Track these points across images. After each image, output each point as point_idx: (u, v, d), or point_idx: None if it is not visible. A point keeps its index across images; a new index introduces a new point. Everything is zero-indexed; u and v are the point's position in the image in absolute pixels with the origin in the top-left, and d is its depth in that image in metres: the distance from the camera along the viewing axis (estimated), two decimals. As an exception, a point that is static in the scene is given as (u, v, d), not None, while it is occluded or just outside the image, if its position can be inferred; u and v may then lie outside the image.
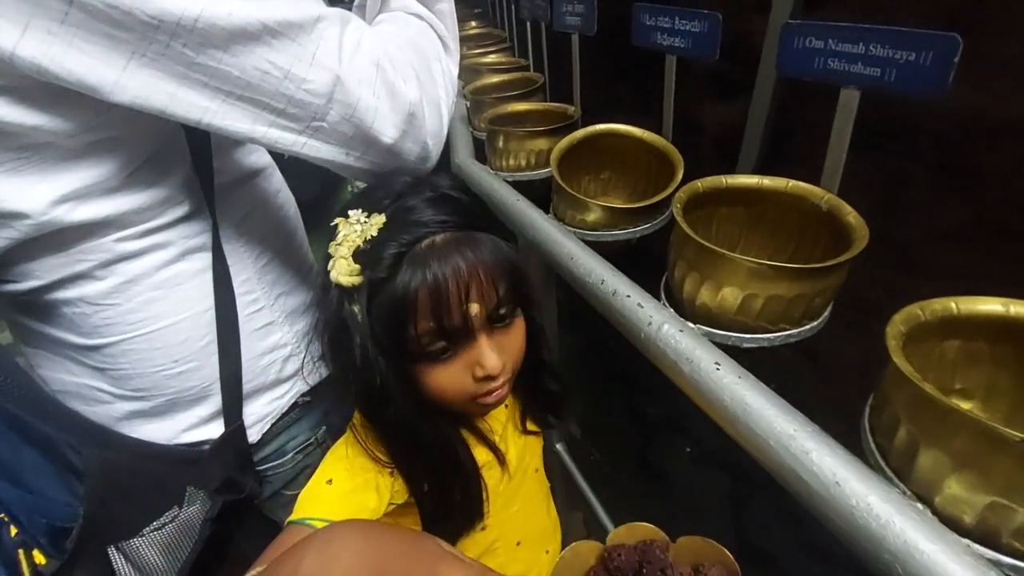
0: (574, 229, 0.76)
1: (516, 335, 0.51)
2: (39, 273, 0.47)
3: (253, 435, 0.59)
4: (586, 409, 1.79)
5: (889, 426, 0.40)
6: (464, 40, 1.79)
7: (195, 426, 0.56)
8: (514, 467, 0.57)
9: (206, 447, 0.57)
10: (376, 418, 0.48)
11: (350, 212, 0.45)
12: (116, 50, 0.37)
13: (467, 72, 1.40)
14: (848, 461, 0.39)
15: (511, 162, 0.95)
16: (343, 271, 0.43)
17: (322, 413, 0.66)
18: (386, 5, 0.57)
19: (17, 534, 0.40)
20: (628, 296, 0.58)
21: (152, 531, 0.50)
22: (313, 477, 0.49)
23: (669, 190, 0.72)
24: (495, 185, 0.87)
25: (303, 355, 0.62)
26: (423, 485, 0.49)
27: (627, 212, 0.74)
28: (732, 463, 1.59)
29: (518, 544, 0.61)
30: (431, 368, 0.47)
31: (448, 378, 0.47)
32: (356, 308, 0.43)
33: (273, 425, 0.60)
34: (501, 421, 0.58)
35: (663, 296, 0.62)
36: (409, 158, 0.50)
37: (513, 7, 1.55)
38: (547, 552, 0.66)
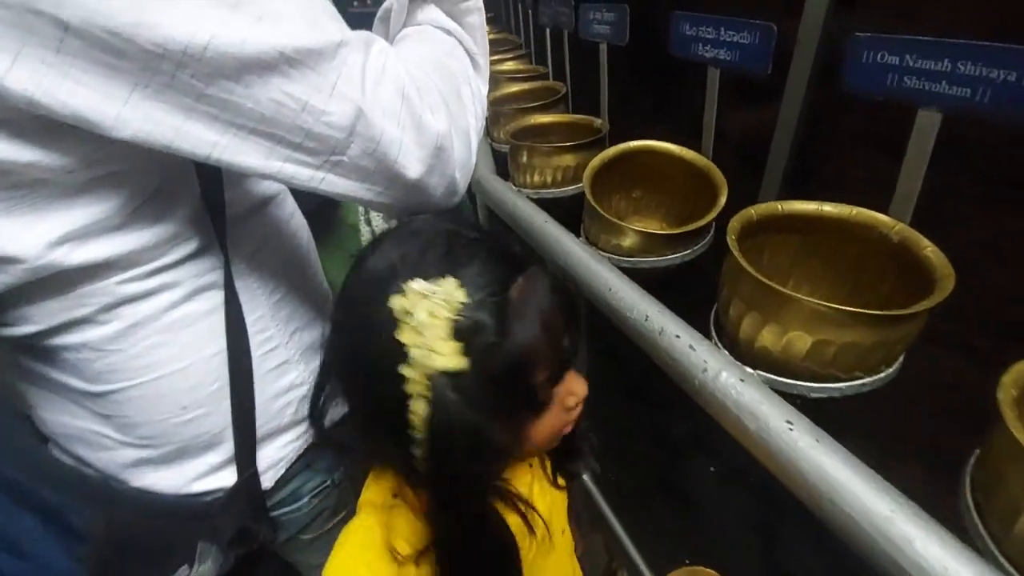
0: (608, 254, 0.71)
1: None
2: (37, 318, 0.43)
3: (267, 481, 0.55)
4: (604, 428, 1.74)
5: (1007, 511, 0.34)
6: (478, 46, 1.74)
7: (206, 474, 0.52)
8: (542, 530, 0.51)
9: (218, 496, 0.53)
10: (447, 505, 0.41)
11: (412, 285, 0.36)
12: (117, 81, 0.33)
13: (484, 80, 1.35)
14: (959, 551, 0.33)
15: (536, 179, 0.90)
16: (452, 356, 0.36)
17: (338, 455, 0.61)
18: (412, 17, 0.51)
19: None
20: (678, 336, 0.53)
21: None
22: (342, 556, 0.42)
23: (712, 214, 0.67)
24: (520, 204, 0.82)
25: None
26: (458, 566, 0.43)
27: (667, 237, 0.68)
28: (759, 484, 1.53)
29: None
30: (540, 417, 0.43)
31: (552, 419, 0.44)
32: (456, 395, 0.36)
33: (288, 469, 0.56)
34: (527, 482, 0.52)
35: (713, 333, 0.57)
36: (435, 193, 0.46)
37: (530, 12, 1.50)
38: None
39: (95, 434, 0.49)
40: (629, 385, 1.85)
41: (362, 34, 0.40)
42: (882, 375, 0.49)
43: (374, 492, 0.46)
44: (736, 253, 0.51)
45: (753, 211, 0.57)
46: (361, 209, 0.91)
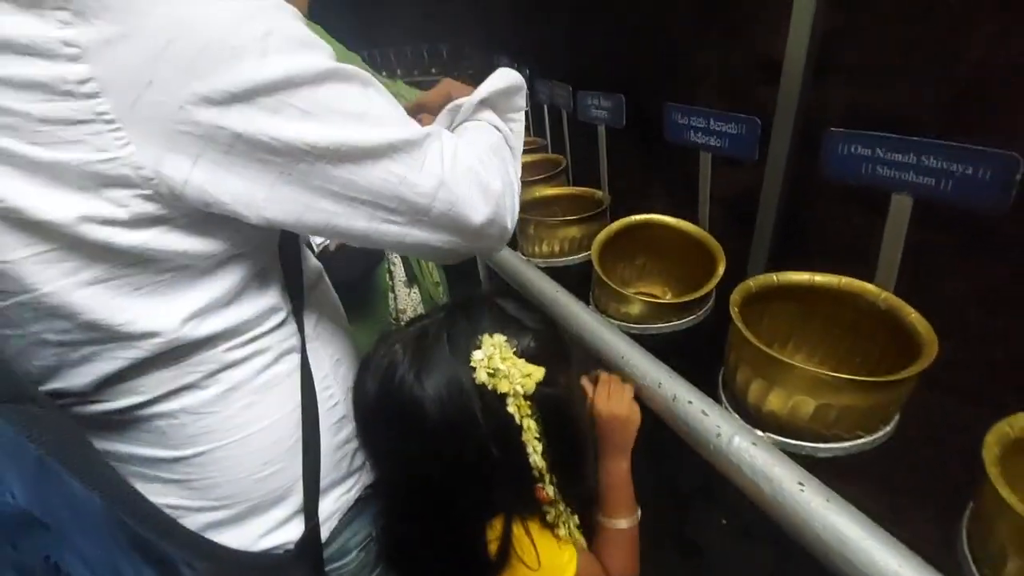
0: (616, 322, 0.76)
1: None
2: (145, 389, 0.46)
3: (324, 533, 0.57)
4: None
5: (998, 560, 0.38)
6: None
7: (272, 530, 0.54)
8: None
9: (287, 549, 0.55)
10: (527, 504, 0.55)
11: (478, 353, 0.53)
12: (266, 171, 0.41)
13: (487, 153, 1.44)
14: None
15: (544, 248, 0.96)
16: (532, 371, 0.52)
17: (381, 506, 0.63)
18: (475, 114, 0.63)
19: None
20: (690, 402, 0.57)
21: None
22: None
23: (712, 283, 0.72)
24: (531, 275, 0.87)
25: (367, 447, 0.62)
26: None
27: (671, 306, 0.74)
28: (771, 536, 1.52)
29: None
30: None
31: None
32: (548, 388, 0.53)
33: (340, 521, 0.59)
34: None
35: (722, 397, 0.61)
36: (493, 235, 0.56)
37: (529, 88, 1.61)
38: None
39: (171, 506, 0.51)
40: (638, 443, 1.87)
41: (435, 127, 0.52)
42: (881, 433, 0.53)
43: None
44: (740, 325, 0.56)
45: (752, 283, 0.62)
46: (386, 273, 0.97)
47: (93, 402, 0.46)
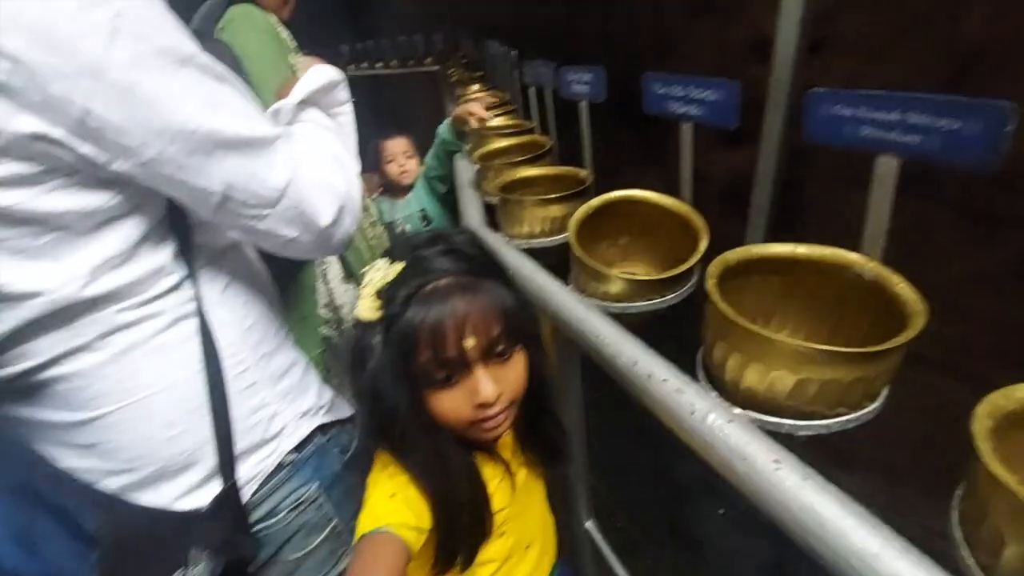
0: (597, 301, 0.73)
1: (514, 368, 0.55)
2: (38, 351, 0.48)
3: (245, 495, 0.59)
4: (609, 473, 1.71)
5: (993, 542, 0.35)
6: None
7: (186, 493, 0.56)
8: (522, 483, 0.63)
9: (201, 511, 0.56)
10: (384, 437, 0.54)
11: (377, 262, 0.53)
12: (119, 149, 0.44)
13: (474, 137, 1.41)
14: (948, 585, 0.34)
15: (525, 229, 0.93)
16: (366, 307, 0.51)
17: (312, 469, 0.64)
18: (297, 117, 0.65)
19: None
20: (665, 380, 0.54)
21: None
22: (370, 496, 0.53)
23: (694, 259, 0.69)
24: (510, 255, 0.84)
25: (287, 413, 0.62)
26: (435, 505, 0.53)
27: (651, 283, 0.70)
28: (770, 526, 1.49)
29: (527, 547, 0.66)
30: (435, 394, 0.52)
31: (449, 404, 0.52)
32: (375, 340, 0.51)
33: (262, 485, 0.60)
34: (508, 447, 0.63)
35: (701, 376, 0.58)
36: (335, 239, 0.60)
37: (518, 71, 1.58)
38: (546, 555, 0.70)
39: (83, 470, 0.53)
40: (632, 429, 1.84)
41: (285, 128, 0.57)
42: (866, 410, 0.50)
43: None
44: (715, 296, 0.53)
45: (730, 255, 0.59)
46: (318, 271, 0.96)
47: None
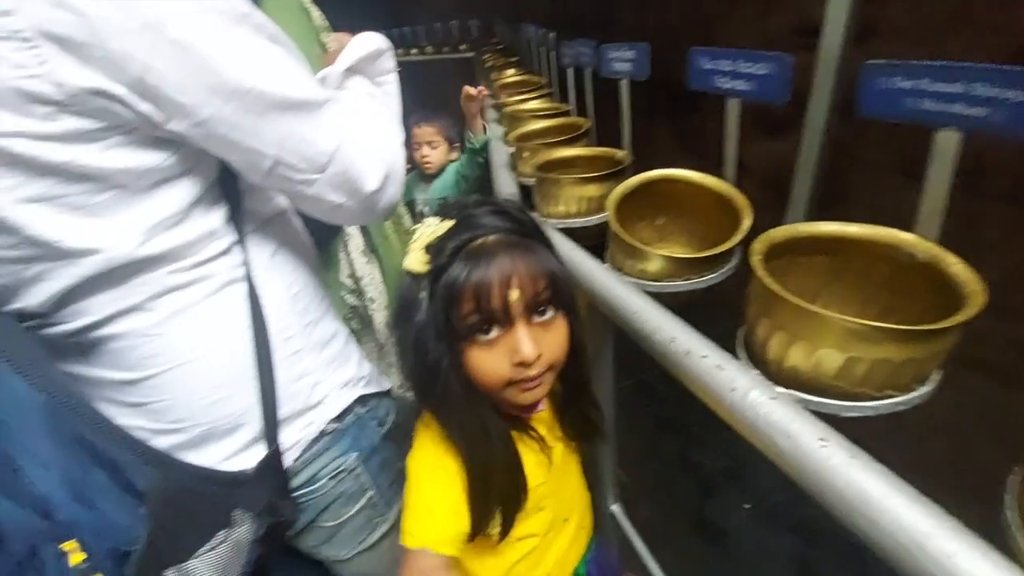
0: (634, 279, 0.72)
1: (555, 333, 0.54)
2: (94, 309, 0.49)
3: (287, 461, 0.60)
4: (635, 462, 1.71)
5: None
6: (504, 88, 1.82)
7: (232, 455, 0.57)
8: (559, 458, 0.64)
9: (246, 473, 0.57)
10: (426, 393, 0.55)
11: (428, 219, 0.54)
12: (176, 107, 0.45)
13: (509, 119, 1.40)
14: (1002, 566, 0.33)
15: (561, 209, 0.92)
16: (415, 260, 0.52)
17: (351, 439, 0.65)
18: (343, 84, 0.64)
19: (85, 560, 0.40)
20: (704, 357, 0.53)
21: (206, 552, 0.51)
22: (411, 493, 0.56)
23: (736, 238, 0.68)
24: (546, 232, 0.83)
25: (329, 382, 0.63)
26: (469, 467, 0.55)
27: (691, 261, 0.69)
28: (795, 522, 1.47)
29: (565, 520, 0.67)
30: (476, 349, 0.52)
31: (489, 361, 0.52)
32: (422, 294, 0.52)
33: (303, 452, 0.61)
34: (546, 421, 0.63)
35: (743, 355, 0.57)
36: (381, 204, 0.61)
37: (554, 53, 1.56)
38: (583, 528, 0.71)
39: (131, 428, 0.54)
40: (659, 420, 1.82)
41: (332, 92, 0.56)
42: (915, 394, 0.48)
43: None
44: (760, 271, 0.52)
45: (776, 233, 0.58)
46: (340, 242, 0.97)
47: (53, 324, 0.49)
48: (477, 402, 0.55)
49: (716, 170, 0.78)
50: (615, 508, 1.02)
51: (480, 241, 0.51)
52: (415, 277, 0.52)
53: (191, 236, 0.51)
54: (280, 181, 0.53)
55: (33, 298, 0.47)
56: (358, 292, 0.99)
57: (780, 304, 0.50)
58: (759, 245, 0.55)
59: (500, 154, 1.31)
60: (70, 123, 0.42)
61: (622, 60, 0.89)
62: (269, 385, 0.56)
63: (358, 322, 0.98)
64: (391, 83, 0.70)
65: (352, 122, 0.56)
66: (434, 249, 0.51)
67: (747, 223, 0.68)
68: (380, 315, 0.97)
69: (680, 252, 0.82)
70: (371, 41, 0.67)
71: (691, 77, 0.74)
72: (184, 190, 0.50)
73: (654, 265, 0.70)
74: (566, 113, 1.33)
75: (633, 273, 0.72)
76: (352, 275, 0.96)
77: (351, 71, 0.65)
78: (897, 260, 0.55)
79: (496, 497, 0.57)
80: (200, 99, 0.44)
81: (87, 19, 0.39)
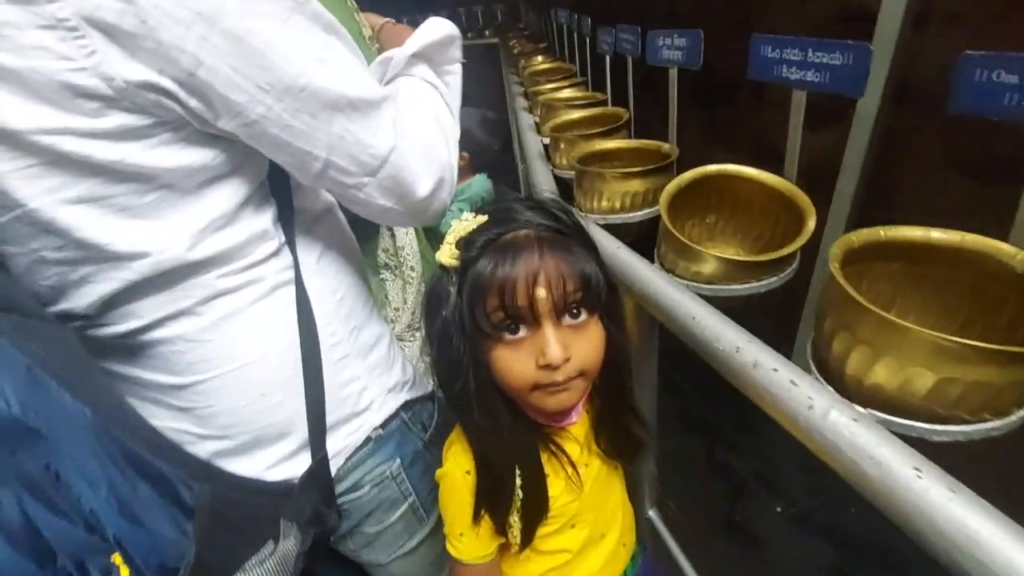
0: (687, 281, 0.68)
1: (588, 337, 0.51)
2: (143, 312, 0.47)
3: (332, 469, 0.58)
4: (660, 461, 1.67)
5: None
6: (534, 76, 1.77)
7: (278, 463, 0.55)
8: (595, 475, 0.61)
9: (292, 481, 0.56)
10: (449, 389, 0.54)
11: (465, 214, 0.52)
12: (226, 106, 0.42)
13: (544, 109, 1.36)
14: None
15: (604, 204, 0.88)
16: (446, 253, 0.51)
17: (395, 446, 0.63)
18: (406, 70, 0.60)
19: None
20: (775, 370, 0.50)
21: (254, 565, 0.49)
22: (447, 508, 0.58)
23: (801, 240, 0.64)
24: (591, 231, 0.80)
25: (375, 388, 0.61)
26: (478, 465, 0.55)
27: (751, 265, 0.65)
28: (827, 526, 1.43)
29: (602, 537, 0.65)
30: (501, 349, 0.50)
31: (515, 360, 0.50)
32: (451, 288, 0.50)
33: (348, 459, 0.59)
34: (580, 437, 0.60)
35: (813, 367, 0.53)
36: (431, 210, 0.58)
37: (588, 40, 1.51)
38: (624, 545, 0.68)
39: (174, 431, 0.53)
40: (686, 419, 1.78)
41: (391, 89, 0.53)
42: (1015, 418, 0.44)
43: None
44: (842, 280, 0.48)
45: (854, 237, 0.54)
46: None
47: (100, 325, 0.47)
48: (496, 403, 0.53)
49: (766, 163, 0.74)
50: (652, 513, 0.99)
51: (511, 236, 0.49)
52: (445, 271, 0.51)
53: (241, 238, 0.49)
54: (329, 183, 0.51)
55: (79, 300, 0.45)
56: (397, 265, 0.97)
57: (864, 316, 0.46)
58: (837, 250, 0.52)
59: (534, 145, 1.27)
60: (119, 119, 0.39)
61: (672, 48, 0.85)
62: (318, 391, 0.54)
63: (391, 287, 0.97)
64: (455, 74, 0.66)
65: (408, 123, 0.53)
66: (464, 243, 0.50)
67: (811, 224, 0.64)
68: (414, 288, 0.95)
69: (736, 253, 0.78)
70: (442, 26, 0.63)
71: (752, 66, 0.69)
72: (233, 189, 0.48)
73: (709, 267, 0.67)
74: (602, 103, 1.29)
75: (686, 275, 0.69)
76: (392, 245, 0.95)
77: (418, 57, 0.61)
78: (986, 269, 0.51)
79: (510, 505, 0.56)
80: (252, 96, 0.42)
81: (136, 7, 0.36)
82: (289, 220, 0.53)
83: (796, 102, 0.66)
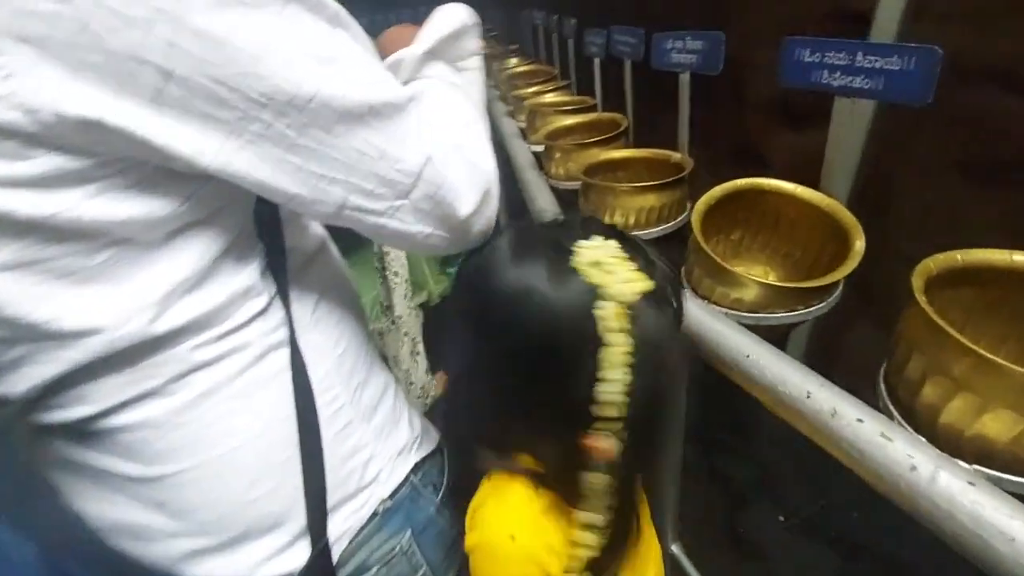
0: (724, 309, 0.62)
1: None
2: (97, 397, 0.38)
3: (335, 555, 0.50)
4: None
5: None
6: (511, 79, 1.69)
7: (271, 557, 0.46)
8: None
9: None
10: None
11: (584, 243, 0.41)
12: (209, 132, 0.33)
13: (529, 114, 1.28)
14: None
15: (615, 220, 0.81)
16: (638, 279, 0.41)
17: (404, 516, 0.55)
18: (421, 72, 0.52)
19: None
20: (860, 422, 0.44)
21: None
22: (487, 526, 0.45)
23: (852, 263, 0.58)
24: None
25: (382, 455, 0.53)
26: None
27: (797, 291, 0.59)
28: (835, 535, 1.41)
29: None
30: None
31: None
32: (652, 311, 0.41)
33: (352, 540, 0.51)
34: None
35: (895, 413, 0.48)
36: (475, 230, 0.48)
37: (570, 43, 1.44)
38: None
39: (143, 527, 0.43)
40: (686, 426, 1.74)
41: (416, 87, 0.43)
42: None
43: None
44: (935, 317, 0.42)
45: (931, 262, 0.48)
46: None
47: (42, 411, 0.38)
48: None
49: (792, 175, 0.68)
50: (675, 548, 0.93)
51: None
52: (645, 298, 0.41)
53: (220, 299, 0.39)
54: (352, 216, 0.41)
55: (14, 386, 0.35)
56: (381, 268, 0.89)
57: (966, 359, 0.40)
58: (918, 280, 0.46)
59: (523, 154, 1.19)
60: (48, 162, 0.30)
61: (683, 51, 0.79)
62: (317, 471, 0.45)
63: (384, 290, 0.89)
64: (475, 68, 0.57)
65: (439, 129, 0.43)
66: (643, 265, 0.42)
67: (860, 246, 0.59)
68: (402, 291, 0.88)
69: (766, 273, 0.72)
70: (456, 15, 0.54)
71: (785, 71, 0.63)
72: (210, 239, 0.38)
73: (751, 293, 0.60)
74: (593, 108, 1.22)
75: (724, 303, 0.62)
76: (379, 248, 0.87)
77: (430, 55, 0.52)
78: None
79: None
80: (243, 113, 0.32)
81: (73, 6, 0.27)
82: (280, 266, 0.44)
83: (839, 109, 0.60)
